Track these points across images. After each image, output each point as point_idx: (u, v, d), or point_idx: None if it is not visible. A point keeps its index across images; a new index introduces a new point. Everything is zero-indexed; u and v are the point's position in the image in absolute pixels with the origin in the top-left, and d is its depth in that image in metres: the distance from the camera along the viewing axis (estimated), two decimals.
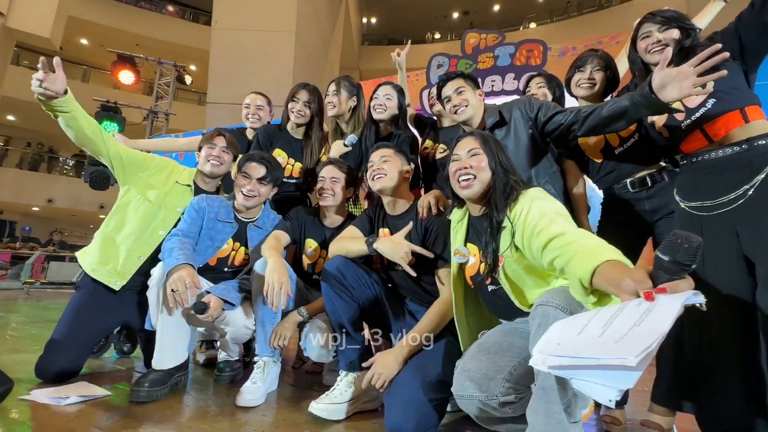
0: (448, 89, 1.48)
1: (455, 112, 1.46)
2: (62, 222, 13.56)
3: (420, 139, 1.91)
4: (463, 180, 1.11)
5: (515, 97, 1.78)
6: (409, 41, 2.35)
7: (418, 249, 1.23)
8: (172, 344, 1.34)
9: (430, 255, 1.25)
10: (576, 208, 1.52)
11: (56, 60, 1.25)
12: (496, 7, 16.57)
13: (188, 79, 6.24)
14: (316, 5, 9.06)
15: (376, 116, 1.80)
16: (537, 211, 0.95)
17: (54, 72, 1.25)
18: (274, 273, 1.27)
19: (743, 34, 1.13)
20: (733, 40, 1.13)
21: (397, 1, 16.29)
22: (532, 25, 15.33)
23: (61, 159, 13.58)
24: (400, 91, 1.84)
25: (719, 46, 0.96)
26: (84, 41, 13.44)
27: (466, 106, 1.43)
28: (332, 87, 1.84)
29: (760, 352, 1.07)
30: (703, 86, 1.11)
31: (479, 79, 5.07)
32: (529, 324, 0.87)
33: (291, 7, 7.83)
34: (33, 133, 13.60)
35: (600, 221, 1.51)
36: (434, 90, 1.88)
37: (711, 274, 1.12)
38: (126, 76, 5.84)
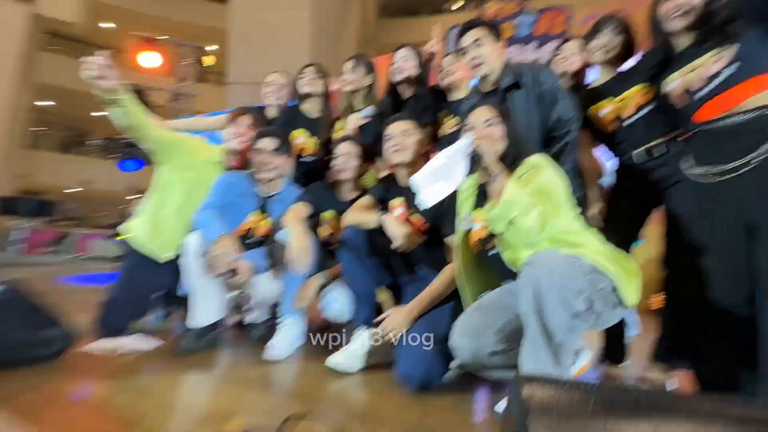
0: (467, 39, 1.43)
1: (471, 67, 1.45)
2: (96, 202, 14.28)
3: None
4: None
5: None
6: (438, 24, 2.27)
7: (410, 242, 1.33)
8: (206, 305, 1.50)
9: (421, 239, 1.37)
10: (587, 177, 1.55)
11: (104, 55, 1.35)
12: None
13: (208, 60, 6.34)
14: None
15: (396, 79, 1.84)
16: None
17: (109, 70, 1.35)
18: (297, 241, 1.39)
19: None
20: None
21: None
22: None
23: (93, 142, 14.15)
24: (417, 53, 1.86)
25: None
26: (108, 25, 13.70)
27: (483, 62, 1.42)
28: (350, 64, 1.89)
29: (757, 313, 1.11)
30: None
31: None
32: None
33: None
34: (69, 118, 14.19)
35: (611, 190, 1.54)
36: (446, 60, 1.90)
37: (713, 237, 1.15)
38: (149, 59, 6.00)
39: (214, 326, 1.55)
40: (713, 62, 1.13)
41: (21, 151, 10.21)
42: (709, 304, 1.16)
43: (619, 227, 1.42)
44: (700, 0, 1.18)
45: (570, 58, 1.66)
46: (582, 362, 1.20)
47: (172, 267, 1.59)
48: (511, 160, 1.14)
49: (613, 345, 1.42)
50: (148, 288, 1.61)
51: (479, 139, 1.08)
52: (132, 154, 5.39)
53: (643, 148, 1.39)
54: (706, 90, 1.16)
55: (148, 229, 1.62)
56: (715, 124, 1.15)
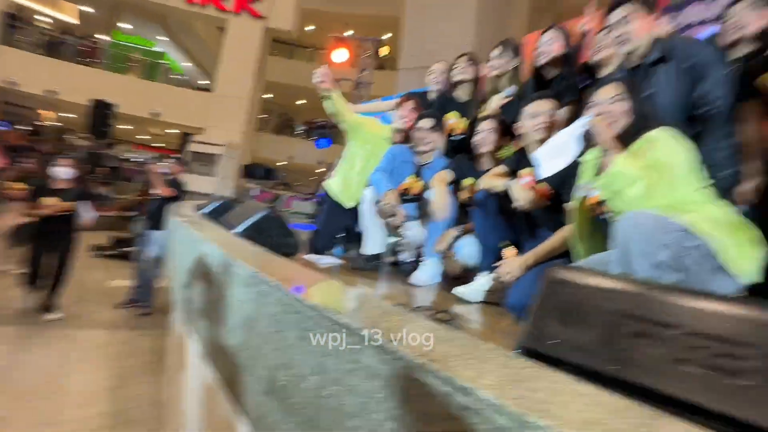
0: (615, 16, 1.46)
1: (616, 44, 1.50)
2: (296, 173, 18.07)
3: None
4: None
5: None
6: None
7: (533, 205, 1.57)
8: (375, 239, 2.12)
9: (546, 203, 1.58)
10: (745, 152, 1.45)
11: (324, 68, 2.04)
12: None
13: (385, 50, 7.27)
14: None
15: (539, 63, 1.98)
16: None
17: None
18: (439, 197, 1.82)
19: None
20: None
21: None
22: None
23: (295, 126, 17.87)
24: (565, 34, 1.96)
25: None
26: (309, 28, 16.73)
27: (628, 39, 1.45)
28: (496, 50, 2.16)
29: None
30: None
31: (703, 4, 4.04)
32: None
33: None
34: (280, 107, 18.23)
35: None
36: (599, 37, 1.93)
37: None
38: (339, 55, 7.32)
39: (378, 256, 2.16)
40: None
41: (254, 132, 13.84)
42: None
43: None
44: None
45: (742, 22, 1.52)
46: None
47: (354, 211, 2.26)
48: (633, 135, 1.26)
49: None
50: (338, 224, 2.34)
51: (595, 119, 1.25)
52: (324, 135, 6.82)
53: None
54: None
55: (340, 184, 2.33)
56: None
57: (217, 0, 11.62)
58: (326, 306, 0.71)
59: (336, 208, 2.32)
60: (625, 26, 1.48)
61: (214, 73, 12.29)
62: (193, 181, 8.33)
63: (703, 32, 3.35)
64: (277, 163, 16.90)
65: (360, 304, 0.79)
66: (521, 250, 1.77)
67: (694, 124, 1.44)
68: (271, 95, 17.34)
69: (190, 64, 16.74)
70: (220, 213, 2.59)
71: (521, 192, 1.62)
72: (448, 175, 2.04)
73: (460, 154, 2.20)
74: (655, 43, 1.48)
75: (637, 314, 0.63)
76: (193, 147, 9.51)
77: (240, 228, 1.90)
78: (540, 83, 2.05)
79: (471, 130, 2.30)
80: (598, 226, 1.44)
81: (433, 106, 2.42)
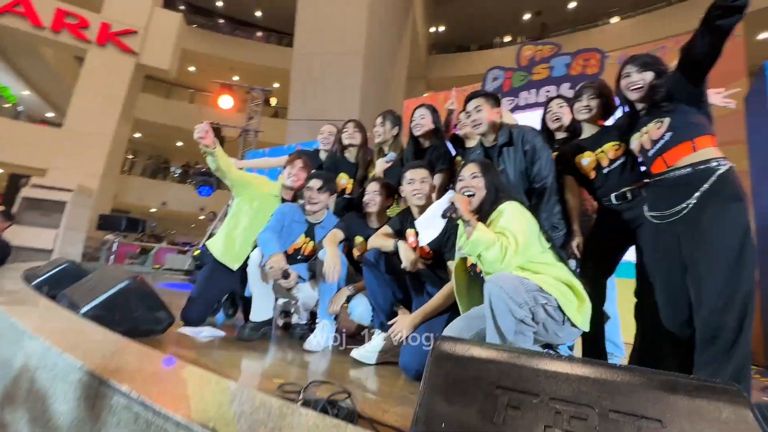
0: (470, 106, 1.84)
1: (472, 127, 1.86)
2: (172, 221, 16.09)
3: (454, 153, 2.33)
4: (467, 195, 1.53)
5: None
6: (452, 89, 2.74)
7: (419, 265, 1.73)
8: (264, 304, 1.96)
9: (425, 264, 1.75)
10: (570, 216, 1.83)
11: (205, 125, 1.92)
12: (572, 5, 15.81)
13: (273, 101, 7.29)
14: (384, 26, 9.76)
15: (415, 133, 2.26)
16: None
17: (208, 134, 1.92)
18: (331, 258, 1.81)
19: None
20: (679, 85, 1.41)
21: (466, 7, 16.41)
22: (615, 19, 14.43)
23: (172, 169, 16.18)
24: (433, 111, 2.28)
25: None
26: (191, 68, 15.88)
27: (480, 124, 1.81)
28: (379, 119, 2.36)
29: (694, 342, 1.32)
30: (660, 125, 1.42)
31: (532, 91, 5.14)
32: None
33: (360, 30, 8.61)
34: (153, 148, 16.39)
35: (591, 229, 1.81)
36: (462, 116, 2.29)
37: (659, 271, 1.40)
38: (225, 102, 7.06)
39: (267, 323, 2.00)
40: (656, 129, 1.42)
41: (117, 175, 12.01)
42: (659, 327, 1.39)
43: (593, 259, 1.68)
44: (649, 79, 1.49)
45: (558, 114, 2.00)
46: None
47: (240, 274, 2.08)
48: (490, 204, 1.48)
49: None
50: (221, 288, 2.12)
51: (455, 196, 1.45)
52: (206, 182, 6.30)
53: (614, 194, 1.67)
54: (653, 150, 1.45)
55: (224, 244, 2.14)
56: (661, 177, 1.43)
57: (74, 28, 10.25)
58: (197, 419, 0.61)
59: (218, 269, 2.11)
60: (478, 114, 1.83)
61: (66, 107, 10.50)
62: (26, 235, 6.68)
63: (531, 111, 4.27)
64: (149, 210, 14.87)
65: (241, 407, 0.70)
66: (411, 306, 1.86)
67: (532, 194, 1.79)
68: (141, 135, 15.55)
69: (30, 93, 14.03)
70: (60, 284, 2.09)
71: (408, 252, 1.72)
72: (339, 234, 2.07)
73: (351, 212, 2.27)
74: (502, 129, 1.82)
75: (508, 385, 0.70)
76: (28, 192, 7.70)
77: (87, 307, 1.55)
78: (418, 150, 2.29)
79: (361, 189, 2.41)
80: (476, 282, 1.61)
81: (324, 165, 2.48)
